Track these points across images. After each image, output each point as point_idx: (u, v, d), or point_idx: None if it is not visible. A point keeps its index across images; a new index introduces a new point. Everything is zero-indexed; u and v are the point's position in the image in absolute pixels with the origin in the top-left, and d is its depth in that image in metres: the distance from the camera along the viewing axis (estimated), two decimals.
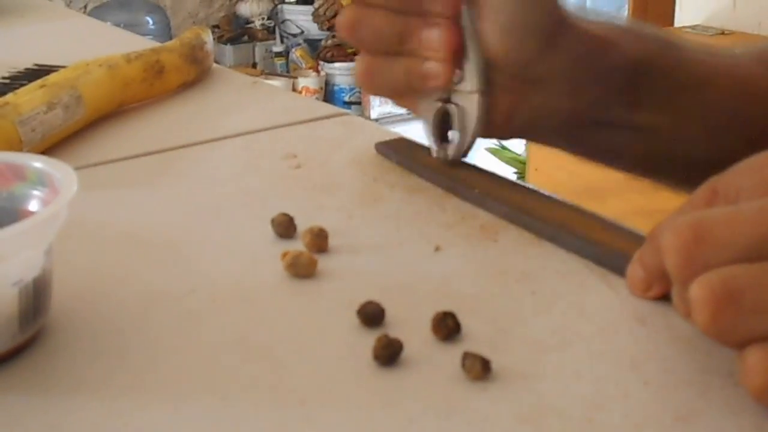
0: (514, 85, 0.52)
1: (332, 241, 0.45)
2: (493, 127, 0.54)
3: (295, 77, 3.93)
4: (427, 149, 0.58)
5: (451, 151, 0.54)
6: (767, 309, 0.31)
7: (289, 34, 4.12)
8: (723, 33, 2.44)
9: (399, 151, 0.58)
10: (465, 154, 0.54)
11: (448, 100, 0.53)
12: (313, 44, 4.08)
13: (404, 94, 0.55)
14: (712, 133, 0.56)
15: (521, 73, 0.52)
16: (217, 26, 4.07)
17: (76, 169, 0.39)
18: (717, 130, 0.56)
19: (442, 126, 0.54)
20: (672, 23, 2.62)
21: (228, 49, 4.02)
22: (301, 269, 0.43)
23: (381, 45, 0.53)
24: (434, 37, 0.51)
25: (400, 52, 0.52)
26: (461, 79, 0.52)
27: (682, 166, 0.58)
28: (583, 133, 0.56)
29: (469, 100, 0.52)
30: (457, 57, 0.51)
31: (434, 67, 0.52)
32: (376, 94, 0.57)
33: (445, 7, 0.51)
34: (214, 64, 0.80)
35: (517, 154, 2.83)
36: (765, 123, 0.56)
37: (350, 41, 0.53)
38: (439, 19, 0.51)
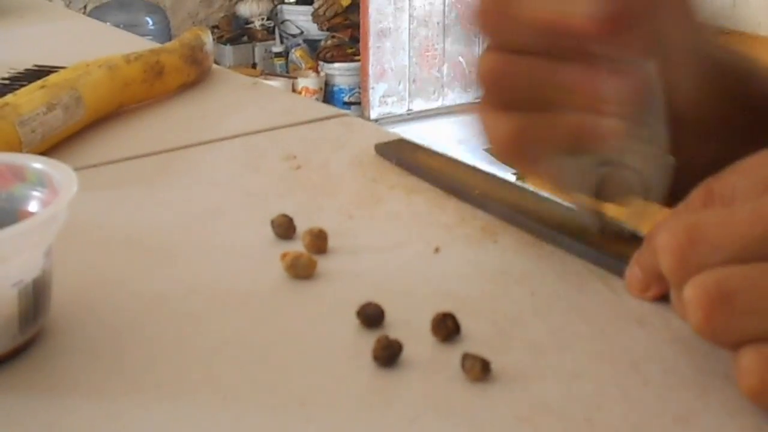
0: (692, 140, 0.43)
1: (332, 242, 0.45)
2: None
3: (295, 78, 3.92)
4: (426, 150, 0.58)
5: (629, 225, 0.45)
6: (761, 310, 0.31)
7: (289, 34, 4.12)
8: (722, 32, 2.44)
9: (399, 152, 0.58)
10: (641, 227, 0.45)
11: (613, 164, 0.43)
12: (312, 45, 4.08)
13: (555, 155, 0.44)
14: None
15: (706, 130, 0.44)
16: (216, 27, 4.07)
17: (76, 170, 0.39)
18: None
19: (599, 193, 0.44)
20: None
21: (228, 49, 4.02)
22: (301, 270, 0.43)
23: (540, 99, 0.42)
24: (618, 84, 0.41)
25: (563, 108, 0.42)
26: (646, 140, 0.42)
27: None
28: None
29: (654, 164, 0.42)
30: (639, 109, 0.42)
31: (616, 123, 0.41)
32: (528, 160, 0.45)
33: (632, 50, 0.41)
34: (214, 65, 0.80)
35: None
36: None
37: (495, 94, 0.43)
38: (619, 64, 0.41)
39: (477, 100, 0.44)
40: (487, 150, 0.44)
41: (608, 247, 0.44)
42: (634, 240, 0.44)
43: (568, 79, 0.41)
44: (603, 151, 0.43)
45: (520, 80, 0.42)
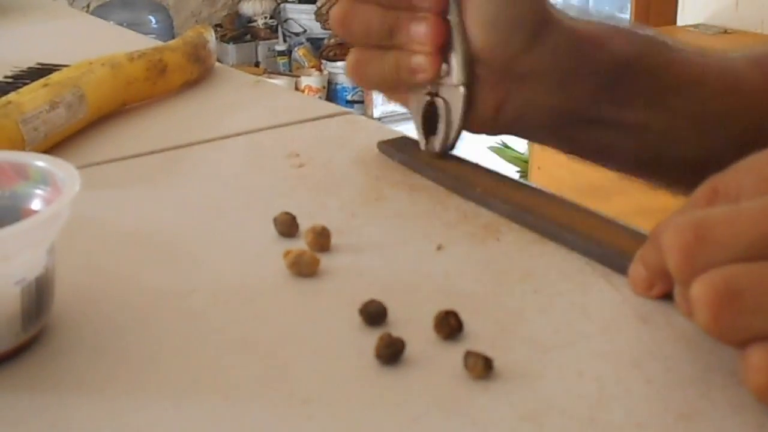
0: (499, 80, 0.53)
1: (335, 240, 0.45)
2: (480, 121, 0.54)
3: (298, 76, 3.93)
4: (419, 145, 0.58)
5: (436, 143, 0.55)
6: None
7: (292, 33, 4.12)
8: (725, 32, 2.44)
9: (401, 149, 0.58)
10: (452, 147, 0.55)
11: (435, 94, 0.54)
12: (315, 43, 4.08)
13: (394, 87, 0.57)
14: (702, 133, 0.56)
15: (506, 68, 0.52)
16: (219, 25, 4.07)
17: (79, 168, 0.39)
18: (707, 130, 0.56)
19: (430, 119, 0.55)
20: (674, 22, 2.61)
21: (231, 48, 4.03)
22: (304, 268, 0.43)
23: (371, 38, 0.53)
24: (421, 31, 0.52)
25: (389, 46, 0.53)
26: (448, 73, 0.53)
27: (673, 166, 0.58)
28: (572, 130, 0.56)
29: (454, 94, 0.53)
30: (443, 51, 0.52)
31: (421, 61, 0.52)
32: (365, 86, 0.58)
33: (431, 2, 0.52)
34: (217, 63, 0.80)
35: (519, 152, 2.83)
36: (755, 124, 0.56)
37: (342, 34, 0.55)
38: (427, 14, 0.52)
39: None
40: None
41: (611, 243, 0.44)
42: (631, 233, 0.44)
43: (389, 22, 0.52)
44: (417, 83, 0.54)
45: (357, 22, 0.53)
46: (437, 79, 0.53)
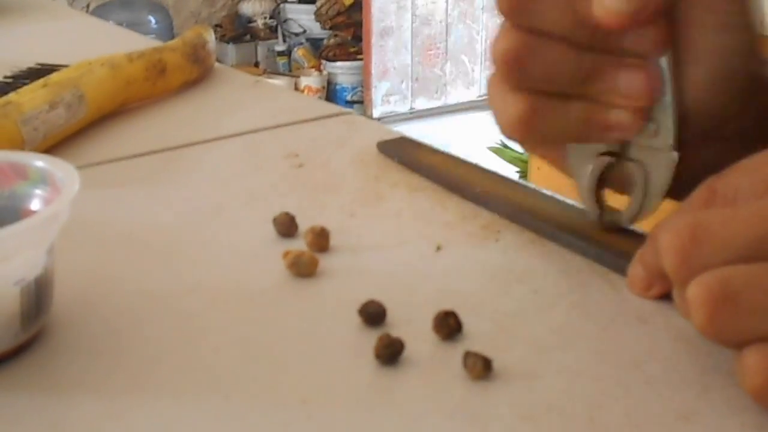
0: (697, 140, 0.43)
1: (334, 241, 0.46)
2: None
3: (298, 76, 3.93)
4: (428, 148, 0.58)
5: (627, 216, 0.45)
6: (764, 309, 0.31)
7: (292, 33, 4.12)
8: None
9: (401, 150, 0.58)
10: (641, 219, 0.45)
11: (618, 155, 0.44)
12: (315, 43, 4.08)
13: (566, 143, 0.45)
14: None
15: (714, 127, 0.43)
16: (219, 25, 4.07)
17: (78, 168, 0.39)
18: None
19: (602, 183, 0.45)
20: None
21: (230, 48, 4.03)
22: (303, 268, 0.43)
23: (556, 84, 0.42)
24: (634, 82, 0.41)
25: (577, 95, 0.42)
26: (655, 134, 0.43)
27: None
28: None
29: (658, 159, 0.43)
30: (651, 105, 0.42)
31: (624, 118, 0.42)
32: (534, 143, 0.46)
33: (649, 46, 0.41)
34: (217, 63, 0.80)
35: (519, 153, 2.83)
36: None
37: (510, 75, 0.42)
38: (638, 60, 0.41)
39: (491, 76, 0.44)
40: (498, 129, 0.44)
41: (610, 243, 0.44)
42: (630, 234, 0.44)
43: (584, 67, 0.41)
44: (609, 141, 0.44)
45: (537, 62, 0.41)
46: (633, 138, 0.43)
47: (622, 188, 0.45)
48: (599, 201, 0.46)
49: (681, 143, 0.42)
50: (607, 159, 0.44)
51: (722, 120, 0.42)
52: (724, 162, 0.40)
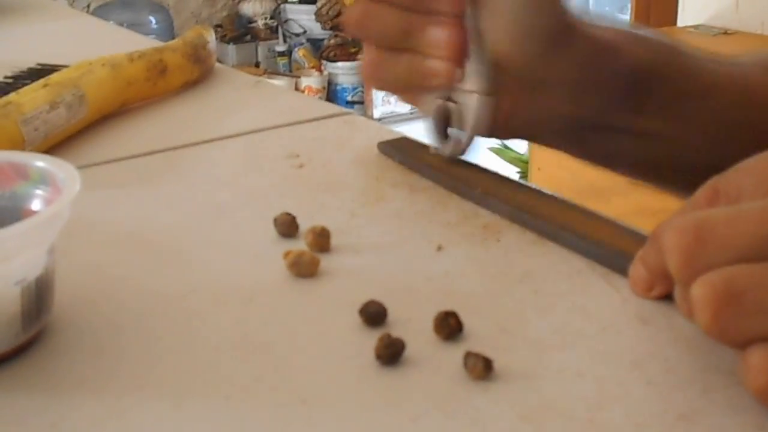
0: (516, 86, 0.52)
1: (335, 241, 0.46)
2: (493, 127, 0.53)
3: (298, 77, 3.93)
4: (429, 148, 0.58)
5: (449, 148, 0.54)
6: None
7: (292, 33, 4.12)
8: (726, 33, 2.44)
9: (401, 150, 0.58)
10: (464, 152, 0.54)
11: (450, 98, 0.53)
12: (315, 44, 4.08)
13: (407, 90, 0.56)
14: (716, 141, 0.56)
15: (524, 75, 0.51)
16: (220, 26, 4.08)
17: (79, 168, 0.39)
18: (721, 137, 0.56)
19: (443, 123, 0.54)
20: (675, 23, 2.61)
21: (231, 48, 4.03)
22: (304, 269, 0.43)
23: (387, 40, 0.52)
24: (439, 36, 0.51)
25: (405, 49, 0.52)
26: (464, 78, 0.52)
27: (685, 173, 0.57)
28: (585, 136, 0.56)
29: (470, 99, 0.52)
30: (460, 56, 0.51)
31: (437, 65, 0.52)
32: (379, 88, 0.57)
33: (450, 6, 0.51)
34: (217, 64, 0.80)
35: (519, 153, 2.83)
36: (766, 131, 0.55)
37: (357, 35, 0.54)
38: (445, 18, 0.51)
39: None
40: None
41: (611, 243, 0.44)
42: (631, 234, 0.44)
43: (406, 24, 0.51)
44: (432, 88, 0.53)
45: (374, 23, 0.52)
46: (453, 84, 0.52)
47: (455, 126, 0.54)
48: (442, 137, 0.55)
49: (498, 90, 0.51)
50: (440, 102, 0.54)
51: (533, 67, 0.51)
52: (558, 110, 0.53)
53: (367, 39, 0.54)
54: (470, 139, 0.53)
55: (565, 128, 0.55)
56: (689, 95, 0.55)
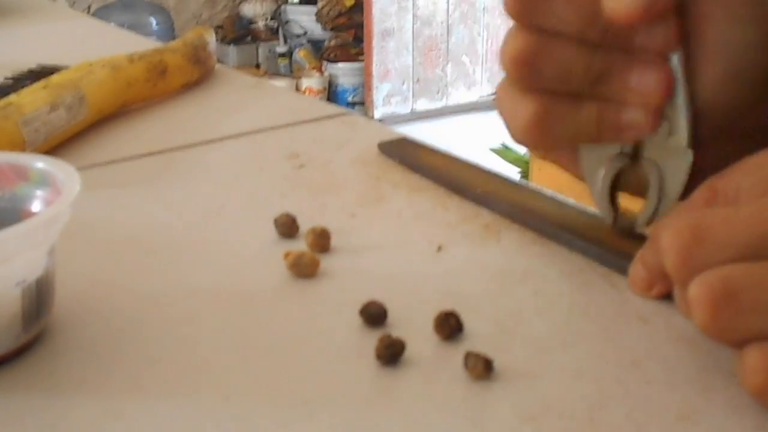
0: (712, 137, 0.42)
1: (335, 241, 0.46)
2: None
3: (299, 77, 3.93)
4: (429, 149, 0.58)
5: (642, 219, 0.44)
6: (765, 308, 0.31)
7: (293, 34, 4.12)
8: None
9: (402, 150, 0.58)
10: (653, 222, 0.44)
11: (631, 156, 0.43)
12: (316, 44, 4.08)
13: (579, 144, 0.44)
14: None
15: (727, 125, 0.42)
16: (220, 27, 4.08)
17: (79, 169, 0.39)
18: None
19: (614, 187, 0.45)
20: None
21: (231, 49, 4.03)
22: (304, 269, 0.43)
23: (568, 85, 0.41)
24: (647, 80, 0.41)
25: (589, 96, 0.42)
26: (669, 133, 0.42)
27: None
28: None
29: (673, 159, 0.42)
30: (665, 104, 0.41)
31: (638, 117, 0.42)
32: (546, 146, 0.45)
33: (659, 44, 0.40)
34: (218, 65, 0.80)
35: (520, 154, 2.83)
36: None
37: (521, 77, 0.42)
38: (650, 58, 0.41)
39: (500, 81, 0.43)
40: (510, 135, 0.43)
41: (611, 243, 0.44)
42: (635, 235, 0.44)
43: (595, 66, 0.41)
44: (624, 142, 0.43)
45: (548, 62, 0.41)
46: (647, 138, 0.42)
47: (637, 191, 0.44)
48: (614, 205, 0.45)
49: (696, 141, 0.41)
50: (620, 161, 0.43)
51: (738, 116, 0.41)
52: (734, 156, 0.39)
53: (537, 82, 0.41)
54: (672, 207, 0.43)
55: None
56: None
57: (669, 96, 0.41)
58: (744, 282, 0.31)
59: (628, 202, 0.45)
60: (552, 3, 0.40)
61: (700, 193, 0.37)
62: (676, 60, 0.40)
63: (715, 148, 0.42)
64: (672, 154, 0.42)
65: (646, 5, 0.38)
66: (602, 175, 0.44)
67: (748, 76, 0.41)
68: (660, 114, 0.41)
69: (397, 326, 0.38)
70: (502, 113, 0.43)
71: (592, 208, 0.48)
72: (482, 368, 0.35)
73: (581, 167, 0.45)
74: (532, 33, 0.41)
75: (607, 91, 0.41)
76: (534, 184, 0.53)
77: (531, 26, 0.41)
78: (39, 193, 0.40)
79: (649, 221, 0.44)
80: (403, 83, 3.79)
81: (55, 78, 0.63)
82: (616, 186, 0.44)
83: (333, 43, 3.99)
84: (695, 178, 0.41)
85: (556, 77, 0.41)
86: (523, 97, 0.42)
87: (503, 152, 2.86)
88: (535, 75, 0.41)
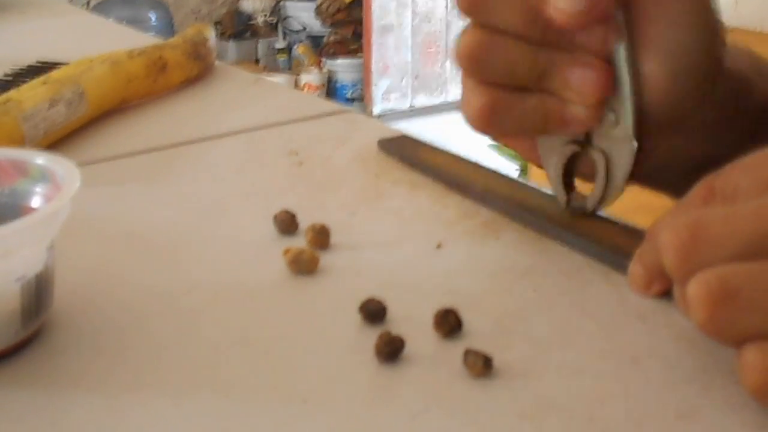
0: (658, 131, 0.45)
1: (334, 238, 0.46)
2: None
3: (298, 73, 3.93)
4: (429, 146, 0.58)
5: (591, 202, 0.47)
6: (764, 307, 0.31)
7: (292, 30, 4.12)
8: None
9: (401, 147, 0.58)
10: (603, 206, 0.47)
11: (583, 143, 0.46)
12: (315, 40, 4.08)
13: (527, 135, 0.48)
14: None
15: (670, 117, 0.44)
16: (219, 23, 4.07)
17: (79, 165, 0.39)
18: None
19: (570, 173, 0.47)
20: None
21: (231, 45, 4.02)
22: (303, 266, 0.43)
23: (514, 79, 0.44)
24: (586, 79, 0.43)
25: (535, 89, 0.44)
26: (615, 124, 0.44)
27: None
28: (701, 176, 0.45)
29: (619, 147, 0.45)
30: (605, 99, 0.44)
31: (580, 112, 0.44)
32: (494, 134, 0.47)
33: (599, 42, 0.43)
34: (217, 61, 0.80)
35: None
36: None
37: (471, 70, 0.44)
38: (591, 57, 0.43)
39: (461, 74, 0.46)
40: (465, 121, 0.46)
41: (610, 242, 0.44)
42: (630, 232, 0.44)
43: (539, 63, 0.43)
44: (568, 134, 0.46)
45: (495, 58, 0.43)
46: (593, 129, 0.45)
47: (590, 176, 0.46)
48: (567, 188, 0.47)
49: (643, 133, 0.44)
50: (571, 148, 0.46)
51: (682, 112, 0.44)
52: (691, 151, 0.45)
53: (485, 76, 0.44)
54: (618, 192, 0.46)
55: (689, 170, 0.45)
56: None
57: (606, 94, 0.43)
58: (742, 280, 0.31)
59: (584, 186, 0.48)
60: (499, 3, 0.43)
61: (697, 192, 0.37)
62: (622, 52, 0.43)
63: (662, 140, 0.45)
64: (618, 143, 0.45)
65: (586, 10, 0.41)
66: (555, 161, 0.47)
67: (688, 76, 0.43)
68: (601, 109, 0.44)
69: (397, 323, 0.38)
70: (461, 101, 0.46)
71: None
72: (481, 365, 0.35)
73: (538, 153, 0.48)
74: (481, 30, 0.43)
75: (551, 86, 0.44)
76: (533, 180, 0.53)
77: (480, 24, 0.43)
78: (39, 188, 0.40)
79: (597, 205, 0.46)
80: (402, 79, 3.79)
81: (54, 74, 0.63)
82: (572, 171, 0.47)
83: (332, 38, 3.98)
84: (652, 167, 0.46)
85: (503, 72, 0.44)
86: (475, 88, 0.45)
87: (502, 149, 2.85)
88: (483, 69, 0.44)
